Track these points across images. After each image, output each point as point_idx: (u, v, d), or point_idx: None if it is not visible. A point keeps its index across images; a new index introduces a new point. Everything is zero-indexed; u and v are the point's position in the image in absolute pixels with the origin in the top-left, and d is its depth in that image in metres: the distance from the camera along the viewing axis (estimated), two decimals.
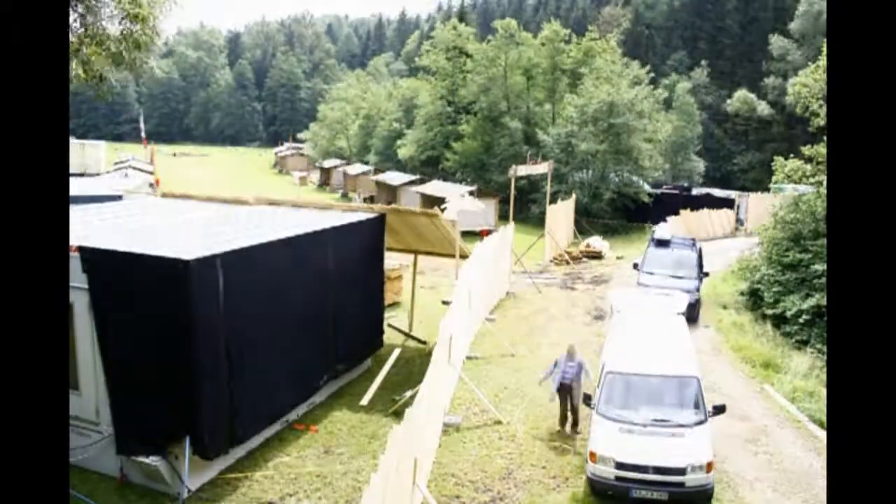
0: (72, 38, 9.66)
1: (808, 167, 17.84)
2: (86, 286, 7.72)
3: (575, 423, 10.03)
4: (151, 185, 25.15)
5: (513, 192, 21.13)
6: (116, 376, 7.78)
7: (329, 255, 10.45)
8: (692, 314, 13.48)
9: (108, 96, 12.17)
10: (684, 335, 10.31)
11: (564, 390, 9.86)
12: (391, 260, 16.51)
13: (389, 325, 14.69)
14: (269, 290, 8.86)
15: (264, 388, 8.81)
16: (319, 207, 13.04)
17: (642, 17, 67.59)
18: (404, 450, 6.56)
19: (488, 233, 19.27)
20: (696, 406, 8.62)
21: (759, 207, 30.53)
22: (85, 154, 44.00)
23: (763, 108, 48.04)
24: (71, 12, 9.92)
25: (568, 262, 24.83)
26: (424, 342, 13.88)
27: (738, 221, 34.36)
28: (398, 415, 9.77)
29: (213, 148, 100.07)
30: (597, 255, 26.11)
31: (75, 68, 9.69)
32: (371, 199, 38.67)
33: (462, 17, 54.25)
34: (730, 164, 48.81)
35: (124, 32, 10.21)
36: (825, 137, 13.44)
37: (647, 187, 34.83)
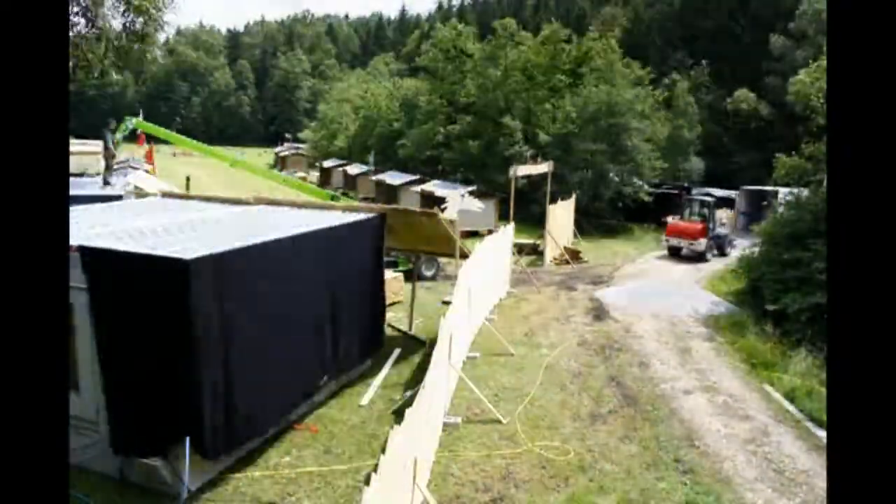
0: (72, 34, 9.66)
1: (809, 165, 17.87)
2: (86, 286, 7.72)
3: None
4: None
5: (513, 192, 21.11)
6: (116, 376, 7.77)
7: (329, 255, 10.44)
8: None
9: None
10: None
11: None
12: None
13: (389, 325, 14.69)
14: (269, 289, 8.85)
15: (264, 387, 8.81)
16: (319, 207, 13.05)
17: (642, 16, 67.48)
18: (404, 450, 6.56)
19: (489, 233, 19.25)
20: None
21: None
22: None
23: (763, 108, 47.98)
24: (74, 7, 9.95)
25: (568, 262, 24.84)
26: (424, 342, 13.88)
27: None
28: (398, 415, 9.78)
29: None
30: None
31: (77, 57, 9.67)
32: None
33: (462, 17, 54.23)
34: (730, 163, 48.67)
35: (127, 25, 10.23)
36: (825, 136, 13.45)
37: (645, 187, 34.85)
